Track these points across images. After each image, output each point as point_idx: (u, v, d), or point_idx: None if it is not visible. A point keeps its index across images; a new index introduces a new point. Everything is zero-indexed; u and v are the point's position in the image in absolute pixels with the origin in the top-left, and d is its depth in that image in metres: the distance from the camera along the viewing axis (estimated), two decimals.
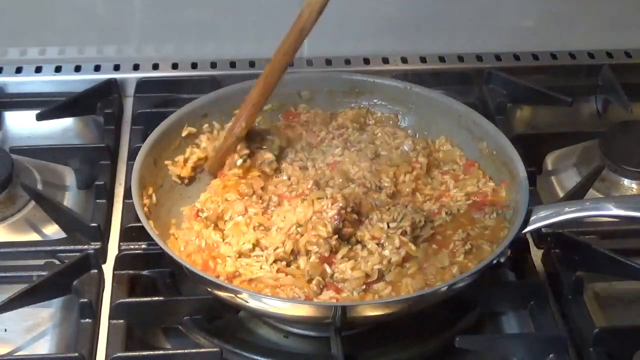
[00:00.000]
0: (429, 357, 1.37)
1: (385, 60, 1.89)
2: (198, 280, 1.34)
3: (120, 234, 1.50)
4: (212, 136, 1.59)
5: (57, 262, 1.47)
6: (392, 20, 1.87)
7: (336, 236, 1.39)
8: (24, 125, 1.79)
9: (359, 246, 1.41)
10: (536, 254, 1.50)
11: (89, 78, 1.83)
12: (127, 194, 1.52)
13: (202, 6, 1.83)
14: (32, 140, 1.73)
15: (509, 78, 1.81)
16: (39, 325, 1.43)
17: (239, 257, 1.39)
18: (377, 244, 1.40)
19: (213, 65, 1.87)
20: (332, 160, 1.54)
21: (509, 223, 1.44)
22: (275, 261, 1.37)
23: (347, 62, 1.89)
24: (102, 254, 1.49)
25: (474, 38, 1.91)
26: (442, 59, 1.90)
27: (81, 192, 1.67)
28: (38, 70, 1.85)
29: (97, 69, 1.86)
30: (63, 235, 1.54)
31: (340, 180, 1.48)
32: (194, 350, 1.33)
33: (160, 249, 1.34)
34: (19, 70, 1.85)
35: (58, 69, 1.86)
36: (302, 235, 1.39)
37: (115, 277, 1.44)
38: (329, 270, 1.37)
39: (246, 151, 1.52)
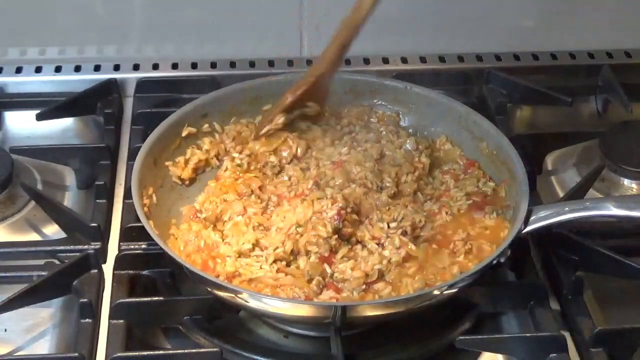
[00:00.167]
0: (429, 357, 1.37)
1: (385, 60, 1.89)
2: (198, 280, 1.34)
3: (120, 234, 1.50)
4: (215, 139, 1.59)
5: (57, 262, 1.47)
6: (392, 20, 1.86)
7: (336, 236, 1.39)
8: (24, 125, 1.79)
9: (359, 246, 1.41)
10: (536, 254, 1.50)
11: (89, 78, 1.83)
12: (127, 194, 1.52)
13: (202, 6, 1.83)
14: (32, 140, 1.73)
15: (509, 78, 1.81)
16: (39, 325, 1.43)
17: (239, 257, 1.39)
18: (377, 244, 1.40)
19: (213, 65, 1.87)
20: (337, 159, 1.53)
21: (509, 223, 1.44)
22: (275, 261, 1.37)
23: (347, 62, 1.88)
24: (102, 254, 1.49)
25: (474, 38, 1.91)
26: (442, 59, 1.90)
27: (81, 192, 1.67)
28: (38, 70, 1.85)
29: (97, 69, 1.86)
30: (63, 235, 1.54)
31: (341, 180, 1.48)
32: (194, 350, 1.33)
33: (160, 249, 1.34)
34: (19, 70, 1.85)
35: (58, 69, 1.85)
36: (301, 235, 1.39)
37: (115, 277, 1.44)
38: (328, 270, 1.37)
39: (282, 119, 1.54)
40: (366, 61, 1.89)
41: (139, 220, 1.38)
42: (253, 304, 1.31)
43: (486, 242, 1.42)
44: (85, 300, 1.38)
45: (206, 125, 1.59)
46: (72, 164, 1.67)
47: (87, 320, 1.37)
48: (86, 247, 1.48)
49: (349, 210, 1.41)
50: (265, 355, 1.35)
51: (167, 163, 1.53)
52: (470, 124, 1.58)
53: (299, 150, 1.55)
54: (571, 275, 1.43)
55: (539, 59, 1.91)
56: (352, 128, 1.62)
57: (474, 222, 1.46)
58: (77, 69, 1.86)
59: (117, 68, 1.86)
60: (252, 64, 1.88)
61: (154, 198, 1.46)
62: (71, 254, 1.46)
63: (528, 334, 1.37)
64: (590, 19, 1.90)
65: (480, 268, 1.32)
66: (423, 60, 1.90)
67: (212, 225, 1.45)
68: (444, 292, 1.32)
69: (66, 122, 1.79)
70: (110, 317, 1.37)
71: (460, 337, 1.34)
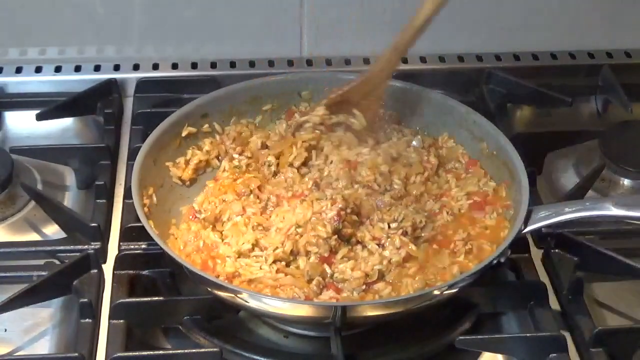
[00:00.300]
0: (429, 357, 1.37)
1: None
2: (198, 280, 1.34)
3: (120, 234, 1.50)
4: (215, 140, 1.59)
5: (57, 262, 1.47)
6: (392, 20, 1.86)
7: (335, 236, 1.39)
8: (24, 125, 1.79)
9: (359, 246, 1.41)
10: (536, 254, 1.50)
11: (89, 78, 1.83)
12: (127, 194, 1.52)
13: (202, 6, 1.83)
14: (32, 140, 1.73)
15: (509, 78, 1.81)
16: (39, 325, 1.43)
17: (239, 257, 1.39)
18: (378, 245, 1.39)
19: (213, 65, 1.87)
20: (354, 159, 1.52)
21: (509, 223, 1.44)
22: (274, 261, 1.37)
23: (347, 62, 1.89)
24: (102, 254, 1.49)
25: (474, 38, 1.91)
26: (442, 59, 1.90)
27: (81, 192, 1.67)
28: (38, 70, 1.85)
29: (97, 69, 1.86)
30: (63, 235, 1.54)
31: (344, 181, 1.47)
32: (194, 350, 1.33)
33: (160, 249, 1.34)
34: (19, 70, 1.85)
35: (58, 69, 1.85)
36: (301, 235, 1.39)
37: (115, 277, 1.44)
38: (328, 271, 1.37)
39: (322, 112, 1.56)
40: (366, 61, 1.89)
41: (139, 220, 1.38)
42: (253, 304, 1.31)
43: (486, 242, 1.42)
44: (85, 300, 1.38)
45: (206, 126, 1.59)
46: (72, 164, 1.67)
47: (87, 320, 1.37)
48: (86, 247, 1.48)
49: (348, 211, 1.41)
50: (265, 355, 1.35)
51: (167, 164, 1.53)
52: (470, 124, 1.58)
53: (296, 161, 1.53)
54: (571, 275, 1.43)
55: (539, 59, 1.91)
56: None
57: (474, 221, 1.46)
58: (77, 69, 1.86)
59: (117, 68, 1.86)
60: (252, 64, 1.88)
61: (154, 198, 1.46)
62: (71, 254, 1.46)
63: (528, 334, 1.37)
64: (590, 19, 1.90)
65: (480, 268, 1.32)
66: (423, 60, 1.90)
67: (211, 226, 1.45)
68: (444, 292, 1.32)
69: (66, 122, 1.79)
70: (110, 317, 1.37)
71: (460, 337, 1.33)
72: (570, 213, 1.38)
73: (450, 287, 1.32)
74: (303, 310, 1.31)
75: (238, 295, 1.29)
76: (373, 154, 1.53)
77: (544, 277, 1.46)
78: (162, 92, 1.81)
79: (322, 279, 1.35)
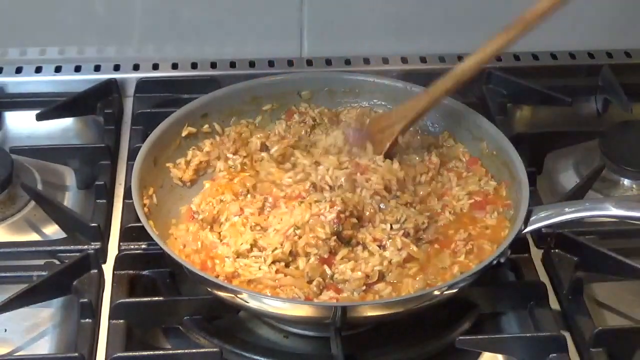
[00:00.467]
0: (429, 357, 1.37)
1: (385, 60, 1.89)
2: (198, 280, 1.34)
3: (120, 234, 1.50)
4: (216, 141, 1.59)
5: (57, 262, 1.47)
6: (392, 20, 1.87)
7: (335, 237, 1.38)
8: (24, 125, 1.79)
9: (359, 247, 1.40)
10: (536, 254, 1.50)
11: (89, 78, 1.83)
12: (127, 194, 1.52)
13: (202, 6, 1.83)
14: (32, 140, 1.73)
15: (509, 78, 1.81)
16: (39, 325, 1.43)
17: (237, 257, 1.38)
18: (379, 246, 1.39)
19: (213, 65, 1.87)
20: (365, 164, 1.51)
21: (509, 222, 1.44)
22: (273, 262, 1.37)
23: (347, 62, 1.89)
24: (102, 254, 1.49)
25: (474, 38, 1.91)
26: (442, 59, 1.90)
27: (81, 192, 1.67)
28: (38, 70, 1.85)
29: (97, 69, 1.86)
30: (63, 235, 1.53)
31: (346, 185, 1.46)
32: (194, 350, 1.33)
33: (160, 249, 1.34)
34: (19, 70, 1.85)
35: (58, 69, 1.85)
36: (300, 237, 1.38)
37: (115, 277, 1.44)
38: (328, 272, 1.36)
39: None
40: (366, 61, 1.89)
41: (139, 220, 1.38)
42: (253, 304, 1.31)
43: (487, 241, 1.42)
44: (85, 300, 1.38)
45: (206, 126, 1.59)
46: (72, 164, 1.67)
47: (87, 320, 1.37)
48: (86, 247, 1.48)
49: (347, 214, 1.40)
50: (265, 355, 1.35)
51: (167, 165, 1.53)
52: (471, 124, 1.58)
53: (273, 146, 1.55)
54: (571, 275, 1.43)
55: (539, 59, 1.91)
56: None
57: (474, 221, 1.46)
58: (77, 69, 1.86)
59: (117, 68, 1.86)
60: (252, 64, 1.88)
61: (154, 198, 1.46)
62: (71, 254, 1.46)
63: (528, 334, 1.37)
64: (590, 19, 1.90)
65: (480, 269, 1.32)
66: (423, 60, 1.90)
67: (209, 227, 1.45)
68: (444, 293, 1.32)
69: (66, 122, 1.79)
70: (110, 317, 1.37)
71: (460, 337, 1.33)
72: (570, 213, 1.37)
73: (450, 287, 1.32)
74: (303, 311, 1.31)
75: (238, 296, 1.29)
76: (387, 162, 1.51)
77: (544, 277, 1.46)
78: (162, 92, 1.81)
79: (323, 280, 1.35)
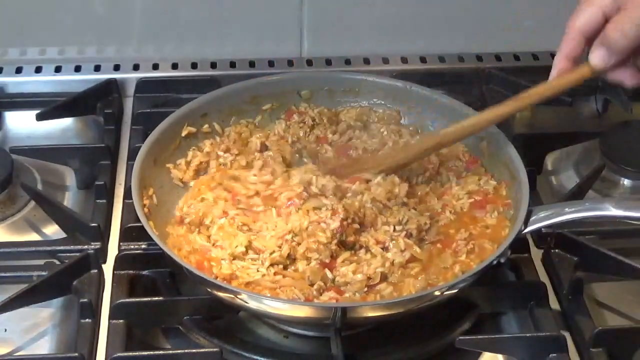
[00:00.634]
0: (429, 357, 1.37)
1: (385, 60, 1.89)
2: (198, 281, 1.33)
3: (120, 234, 1.50)
4: (216, 141, 1.59)
5: (57, 262, 1.47)
6: (392, 20, 1.87)
7: (336, 241, 1.38)
8: (24, 125, 1.79)
9: (361, 250, 1.40)
10: (536, 254, 1.50)
11: (89, 78, 1.83)
12: (127, 194, 1.52)
13: (202, 6, 1.83)
14: (32, 140, 1.73)
15: (509, 78, 1.81)
16: (39, 325, 1.43)
17: (234, 259, 1.37)
18: (382, 248, 1.39)
19: (213, 65, 1.87)
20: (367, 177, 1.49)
21: (509, 222, 1.44)
22: (272, 265, 1.36)
23: (347, 62, 1.89)
24: (102, 254, 1.48)
25: (474, 38, 1.91)
26: (442, 59, 1.90)
27: (81, 192, 1.67)
28: (38, 70, 1.85)
29: (97, 69, 1.86)
30: (63, 235, 1.53)
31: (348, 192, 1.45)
32: (194, 350, 1.33)
33: (160, 249, 1.33)
34: (19, 70, 1.85)
35: (58, 69, 1.85)
36: (299, 244, 1.37)
37: (115, 277, 1.44)
38: (330, 275, 1.36)
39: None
40: (366, 61, 1.89)
41: (139, 220, 1.38)
42: (253, 305, 1.30)
43: (488, 240, 1.42)
44: (85, 300, 1.38)
45: (206, 126, 1.59)
46: (72, 164, 1.67)
47: (87, 320, 1.37)
48: (86, 247, 1.48)
49: (349, 221, 1.39)
50: (265, 355, 1.35)
51: (168, 165, 1.53)
52: None
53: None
54: (571, 275, 1.43)
55: (539, 59, 1.91)
56: (351, 134, 1.62)
57: (475, 220, 1.46)
58: (77, 69, 1.86)
59: (117, 68, 1.86)
60: (252, 64, 1.88)
61: (154, 198, 1.46)
62: (71, 254, 1.46)
63: (528, 334, 1.37)
64: None
65: (480, 269, 1.32)
66: (423, 60, 1.90)
67: (197, 229, 1.44)
68: (444, 293, 1.31)
69: (66, 122, 1.79)
70: (110, 317, 1.37)
71: (460, 337, 1.33)
72: (570, 213, 1.37)
73: (450, 288, 1.32)
74: (303, 312, 1.31)
75: (238, 297, 1.29)
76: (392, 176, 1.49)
77: (544, 277, 1.46)
78: (162, 92, 1.81)
79: (324, 284, 1.35)
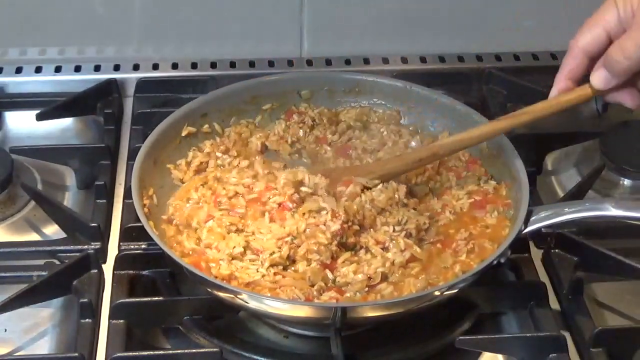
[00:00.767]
0: (429, 357, 1.37)
1: (385, 60, 1.89)
2: (198, 280, 1.33)
3: (120, 234, 1.50)
4: (216, 142, 1.59)
5: (57, 262, 1.47)
6: (392, 20, 1.87)
7: (336, 242, 1.38)
8: (24, 125, 1.79)
9: (362, 250, 1.40)
10: (536, 254, 1.50)
11: (89, 78, 1.83)
12: (127, 194, 1.52)
13: (202, 6, 1.83)
14: (32, 140, 1.73)
15: (509, 78, 1.81)
16: (39, 325, 1.43)
17: (232, 259, 1.37)
18: (382, 248, 1.39)
19: (213, 65, 1.87)
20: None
21: (509, 221, 1.44)
22: (271, 265, 1.36)
23: (347, 62, 1.89)
24: (102, 254, 1.49)
25: (474, 38, 1.91)
26: (442, 59, 1.90)
27: (81, 192, 1.67)
28: (38, 70, 1.85)
29: (97, 69, 1.86)
30: (63, 235, 1.53)
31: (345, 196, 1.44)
32: (194, 350, 1.33)
33: (160, 249, 1.33)
34: (19, 70, 1.85)
35: (58, 69, 1.85)
36: (298, 246, 1.37)
37: (115, 277, 1.44)
38: (330, 276, 1.35)
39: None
40: (366, 61, 1.89)
41: (139, 220, 1.38)
42: (253, 305, 1.30)
43: (488, 240, 1.42)
44: (85, 300, 1.38)
45: (206, 126, 1.59)
46: (72, 164, 1.67)
47: (87, 320, 1.37)
48: (86, 247, 1.48)
49: (350, 223, 1.39)
50: (265, 355, 1.35)
51: (168, 166, 1.53)
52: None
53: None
54: (571, 275, 1.43)
55: (539, 59, 1.91)
56: (350, 134, 1.62)
57: (475, 220, 1.46)
58: (77, 69, 1.86)
59: (117, 68, 1.86)
60: (252, 64, 1.88)
61: (154, 198, 1.46)
62: (71, 254, 1.46)
63: (528, 334, 1.37)
64: None
65: (480, 269, 1.32)
66: (423, 60, 1.90)
67: (186, 231, 1.43)
68: (444, 293, 1.31)
69: (66, 122, 1.79)
70: (110, 317, 1.37)
71: (460, 337, 1.33)
72: (570, 213, 1.37)
73: (450, 288, 1.32)
74: (303, 312, 1.31)
75: (238, 297, 1.29)
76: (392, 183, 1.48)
77: (544, 277, 1.46)
78: (162, 92, 1.81)
79: (325, 285, 1.34)
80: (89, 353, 1.33)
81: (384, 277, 1.36)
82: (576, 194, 1.56)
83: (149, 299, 1.40)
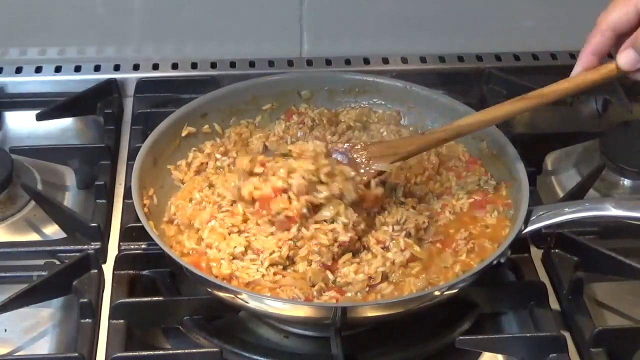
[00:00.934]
0: (429, 357, 1.37)
1: (385, 60, 1.89)
2: (199, 280, 1.33)
3: (120, 234, 1.50)
4: (216, 142, 1.59)
5: (57, 262, 1.47)
6: (392, 20, 1.87)
7: (337, 243, 1.38)
8: (24, 125, 1.79)
9: (362, 250, 1.40)
10: (536, 254, 1.50)
11: (89, 78, 1.83)
12: (127, 194, 1.52)
13: (202, 6, 1.83)
14: (32, 140, 1.73)
15: (509, 78, 1.81)
16: (39, 325, 1.43)
17: (233, 259, 1.37)
18: (382, 248, 1.39)
19: (213, 65, 1.87)
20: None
21: (509, 221, 1.44)
22: (271, 265, 1.35)
23: (347, 62, 1.89)
24: (102, 254, 1.49)
25: (474, 38, 1.91)
26: (442, 59, 1.90)
27: (81, 192, 1.67)
28: (38, 70, 1.85)
29: (97, 69, 1.86)
30: (63, 235, 1.53)
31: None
32: (194, 350, 1.33)
33: (160, 249, 1.33)
34: (19, 70, 1.85)
35: (58, 69, 1.86)
36: (300, 247, 1.36)
37: (115, 277, 1.44)
38: (331, 277, 1.35)
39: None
40: (366, 61, 1.89)
41: (139, 220, 1.38)
42: (253, 304, 1.30)
43: (488, 240, 1.42)
44: (85, 300, 1.38)
45: (206, 126, 1.59)
46: (72, 164, 1.67)
47: (87, 320, 1.37)
48: (86, 247, 1.48)
49: (356, 238, 1.38)
50: (265, 355, 1.35)
51: (169, 167, 1.53)
52: None
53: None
54: (571, 275, 1.43)
55: (539, 59, 1.91)
56: (350, 134, 1.62)
57: (475, 220, 1.46)
58: (77, 69, 1.86)
59: (117, 68, 1.86)
60: (252, 64, 1.88)
61: (154, 199, 1.46)
62: (71, 254, 1.46)
63: (528, 334, 1.37)
64: (590, 19, 1.89)
65: (480, 269, 1.32)
66: (423, 60, 1.90)
67: (187, 231, 1.43)
68: (444, 293, 1.31)
69: (66, 122, 1.79)
70: (110, 317, 1.37)
71: (460, 337, 1.33)
72: (570, 213, 1.37)
73: (450, 287, 1.32)
74: (303, 311, 1.31)
75: (238, 296, 1.29)
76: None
77: (544, 277, 1.46)
78: (162, 92, 1.81)
79: (325, 285, 1.34)
80: (89, 353, 1.33)
81: (385, 277, 1.36)
82: (576, 194, 1.56)
83: (149, 299, 1.40)
